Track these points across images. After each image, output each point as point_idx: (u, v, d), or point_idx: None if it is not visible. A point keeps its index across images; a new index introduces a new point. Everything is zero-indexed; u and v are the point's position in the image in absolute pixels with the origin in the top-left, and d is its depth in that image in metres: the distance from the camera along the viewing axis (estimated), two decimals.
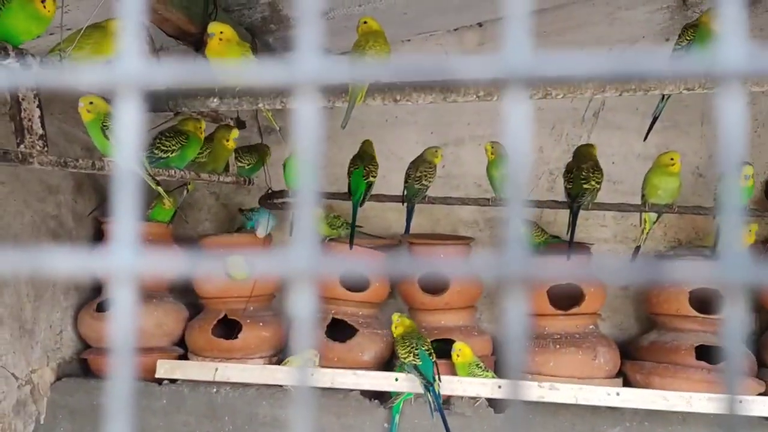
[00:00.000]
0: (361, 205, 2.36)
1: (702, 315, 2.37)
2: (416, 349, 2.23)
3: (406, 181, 2.41)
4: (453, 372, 2.32)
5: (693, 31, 2.10)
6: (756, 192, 2.41)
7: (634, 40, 2.52)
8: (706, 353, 2.32)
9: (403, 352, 2.26)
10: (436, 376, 2.22)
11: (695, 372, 2.30)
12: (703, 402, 2.25)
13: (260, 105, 1.91)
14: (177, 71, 0.39)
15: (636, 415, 2.39)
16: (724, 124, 0.37)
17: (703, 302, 2.39)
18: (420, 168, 2.39)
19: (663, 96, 2.20)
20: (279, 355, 2.48)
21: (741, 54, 0.37)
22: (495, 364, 2.50)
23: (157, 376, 2.35)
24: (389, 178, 2.48)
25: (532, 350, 2.40)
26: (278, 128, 2.13)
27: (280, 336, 2.51)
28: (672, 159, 2.27)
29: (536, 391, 2.22)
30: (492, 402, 2.39)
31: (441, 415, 2.19)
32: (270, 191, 2.46)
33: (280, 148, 2.52)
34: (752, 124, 2.54)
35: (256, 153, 2.48)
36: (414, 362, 2.23)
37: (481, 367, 2.32)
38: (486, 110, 2.52)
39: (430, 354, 2.25)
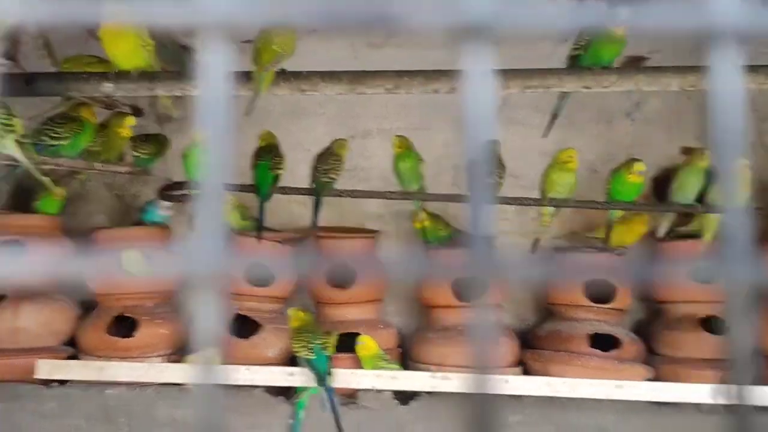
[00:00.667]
0: (268, 199, 2.13)
1: (596, 305, 2.27)
2: (310, 344, 2.01)
3: (313, 174, 2.19)
4: (358, 365, 2.11)
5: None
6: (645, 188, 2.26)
7: (532, 39, 2.34)
8: (599, 341, 2.22)
9: (297, 346, 2.04)
10: (331, 371, 2.00)
11: (589, 359, 2.18)
12: (599, 389, 2.09)
13: (158, 91, 1.65)
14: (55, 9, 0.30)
15: (536, 402, 2.22)
16: (717, 92, 0.31)
17: (597, 292, 2.27)
18: (327, 160, 2.18)
19: (563, 94, 2.05)
20: (179, 353, 2.21)
21: (736, 9, 0.32)
22: (401, 356, 2.29)
23: (37, 377, 2.05)
24: (296, 171, 2.26)
25: (436, 342, 2.21)
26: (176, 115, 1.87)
27: (180, 333, 2.24)
28: (570, 156, 2.13)
29: (429, 381, 2.02)
30: (398, 394, 2.19)
31: (333, 411, 1.97)
32: (169, 183, 2.19)
33: (181, 137, 2.24)
34: (642, 122, 2.39)
35: (154, 142, 2.20)
36: (307, 356, 2.00)
37: (386, 360, 2.12)
38: (394, 103, 2.32)
39: (324, 348, 2.02)
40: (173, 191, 2.21)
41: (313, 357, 2.03)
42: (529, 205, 2.23)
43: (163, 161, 2.26)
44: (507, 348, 2.24)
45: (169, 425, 2.03)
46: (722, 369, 2.19)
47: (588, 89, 1.90)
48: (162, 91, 1.66)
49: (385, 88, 1.85)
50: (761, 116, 2.41)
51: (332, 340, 2.13)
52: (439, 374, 2.08)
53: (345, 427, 2.09)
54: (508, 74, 1.88)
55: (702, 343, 2.19)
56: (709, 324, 2.22)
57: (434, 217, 2.32)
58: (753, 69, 1.80)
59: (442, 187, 2.39)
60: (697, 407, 2.23)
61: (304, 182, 2.23)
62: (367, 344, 2.11)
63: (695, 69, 1.87)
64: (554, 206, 2.19)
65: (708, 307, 2.25)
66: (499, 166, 2.18)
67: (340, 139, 2.25)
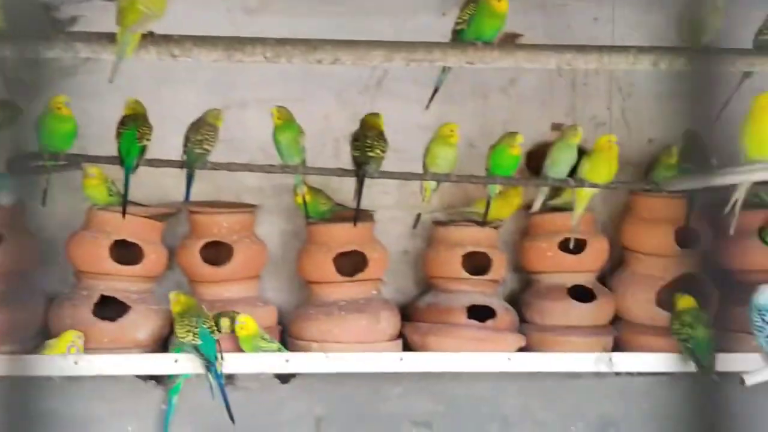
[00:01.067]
0: (133, 171, 1.87)
1: (473, 276, 2.18)
2: (196, 328, 1.79)
3: (185, 145, 1.96)
4: (237, 345, 1.91)
5: (474, 6, 1.81)
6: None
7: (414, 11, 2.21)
8: (476, 312, 2.13)
9: (182, 331, 1.82)
10: (219, 355, 1.79)
11: (467, 330, 2.12)
12: (475, 361, 2.05)
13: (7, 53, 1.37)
14: None
15: (415, 374, 2.11)
16: None
17: (474, 264, 2.18)
18: (200, 131, 1.95)
19: (444, 68, 1.91)
20: (35, 341, 1.91)
21: None
22: (281, 334, 2.10)
23: None
24: (166, 141, 2.01)
25: (317, 318, 2.04)
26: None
27: (36, 318, 1.94)
28: (451, 130, 2.01)
29: (324, 362, 1.86)
30: (278, 373, 2.01)
31: (223, 397, 1.77)
32: (21, 154, 1.87)
33: (33, 104, 1.92)
34: (516, 98, 2.29)
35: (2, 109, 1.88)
36: (194, 342, 1.78)
37: (266, 339, 1.94)
38: (273, 72, 2.10)
39: (212, 332, 1.81)
40: (24, 163, 1.90)
41: (200, 343, 1.81)
42: (411, 179, 2.09)
43: (14, 130, 1.93)
44: (388, 322, 2.10)
45: (31, 419, 1.75)
46: (588, 334, 2.16)
47: (471, 65, 1.78)
48: (12, 53, 1.38)
49: (265, 56, 1.67)
50: (625, 94, 2.37)
51: (226, 322, 1.91)
52: (332, 354, 1.92)
53: (224, 410, 1.89)
54: (391, 47, 1.73)
55: (569, 311, 2.15)
56: (576, 292, 2.16)
57: (315, 191, 2.14)
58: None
59: (323, 160, 2.21)
60: (566, 374, 2.20)
61: (176, 154, 1.98)
62: (247, 324, 1.91)
63: (571, 48, 1.79)
64: (436, 180, 2.06)
65: (575, 277, 2.20)
66: (382, 139, 2.02)
67: (214, 109, 2.02)
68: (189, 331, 1.84)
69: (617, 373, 2.24)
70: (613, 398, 2.25)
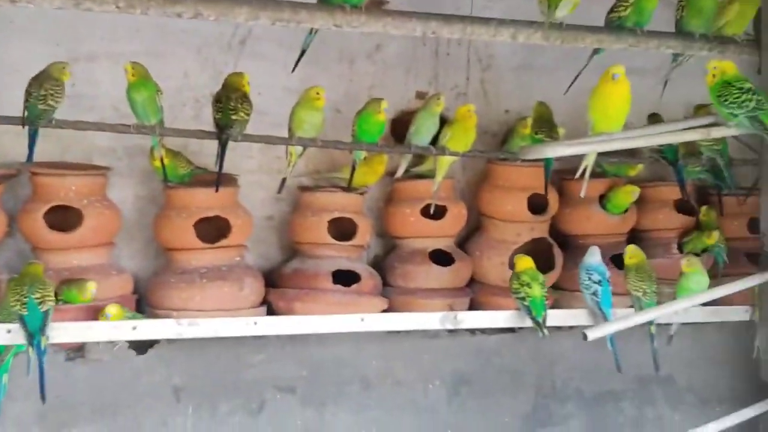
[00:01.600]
0: None
1: (339, 242, 2.04)
2: (25, 298, 1.51)
3: (26, 101, 1.65)
4: (90, 315, 1.64)
5: None
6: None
7: None
8: (340, 276, 1.99)
9: (12, 299, 1.52)
10: (46, 328, 1.52)
11: (332, 295, 1.98)
12: (336, 323, 1.89)
13: None
14: None
15: (278, 340, 1.93)
16: None
17: (339, 230, 2.04)
18: (44, 85, 1.66)
19: (311, 30, 1.71)
20: None
21: None
22: (137, 302, 1.85)
23: None
24: (4, 96, 1.68)
25: (177, 286, 1.80)
26: None
27: None
28: (318, 93, 1.83)
29: (175, 328, 1.63)
30: (133, 343, 1.76)
31: (40, 374, 1.50)
32: None
33: None
34: (381, 64, 2.13)
35: None
36: (21, 312, 1.50)
37: (121, 308, 1.66)
38: (126, 24, 1.80)
39: (41, 303, 1.53)
40: None
41: (26, 313, 1.52)
42: (277, 143, 1.88)
43: None
44: (252, 288, 1.90)
45: None
46: (448, 296, 2.08)
47: (338, 28, 1.61)
48: None
49: (118, 6, 1.44)
50: (484, 65, 2.27)
51: (71, 292, 1.63)
52: (185, 321, 1.69)
53: (72, 384, 1.62)
54: (257, 5, 1.52)
55: (430, 274, 2.05)
56: (436, 256, 2.07)
57: (174, 153, 1.88)
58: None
59: (182, 121, 1.95)
60: (424, 331, 2.10)
61: (16, 110, 1.66)
62: (117, 313, 1.65)
63: (437, 16, 1.66)
64: (302, 145, 1.87)
65: (435, 241, 2.10)
66: (246, 101, 1.79)
67: (59, 62, 1.72)
68: (18, 301, 1.55)
69: (472, 333, 2.19)
70: (468, 356, 2.19)
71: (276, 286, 2.02)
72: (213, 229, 1.91)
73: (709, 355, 2.27)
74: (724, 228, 2.20)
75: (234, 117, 1.77)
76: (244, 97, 1.81)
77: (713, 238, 2.15)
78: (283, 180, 1.96)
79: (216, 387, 1.99)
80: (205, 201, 1.89)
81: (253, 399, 2.01)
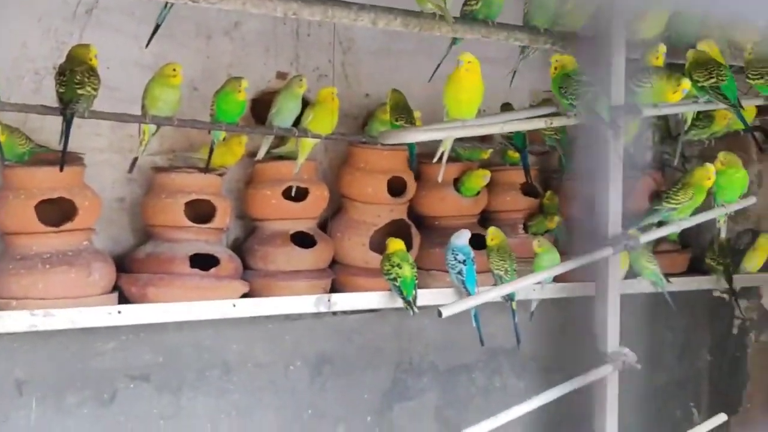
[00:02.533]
0: None
1: (196, 225, 1.96)
2: None
3: None
4: None
5: None
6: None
7: None
8: (198, 260, 1.93)
9: None
10: None
11: (189, 279, 1.91)
12: (199, 309, 1.86)
13: None
14: None
15: (132, 327, 1.84)
16: None
17: (197, 212, 1.97)
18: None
19: (166, 3, 1.63)
20: None
21: None
22: None
23: None
24: None
25: (17, 273, 1.67)
26: None
27: None
28: (174, 70, 1.75)
29: (28, 320, 1.51)
30: None
31: None
32: None
33: None
34: (240, 42, 2.07)
35: None
36: None
37: None
38: None
39: None
40: None
41: None
42: (129, 121, 1.77)
43: None
44: (101, 274, 1.79)
45: None
46: (309, 278, 2.07)
47: (195, 3, 1.54)
48: None
49: None
50: (345, 48, 2.27)
51: None
52: (39, 312, 1.61)
53: None
54: None
55: (292, 256, 2.04)
56: (298, 239, 2.05)
57: (11, 130, 1.73)
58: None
59: (21, 95, 1.79)
60: (287, 316, 2.10)
61: None
62: None
63: None
64: (157, 124, 1.77)
65: (297, 223, 2.08)
66: (93, 75, 1.67)
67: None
68: None
69: (334, 313, 2.20)
70: (330, 337, 2.21)
71: (128, 272, 1.92)
72: (57, 212, 1.78)
73: (554, 328, 2.44)
74: (565, 209, 2.36)
75: (80, 91, 1.65)
76: (91, 71, 1.68)
77: (554, 222, 2.31)
78: (135, 159, 1.86)
79: (62, 378, 1.86)
80: (47, 181, 1.75)
81: (104, 389, 1.91)
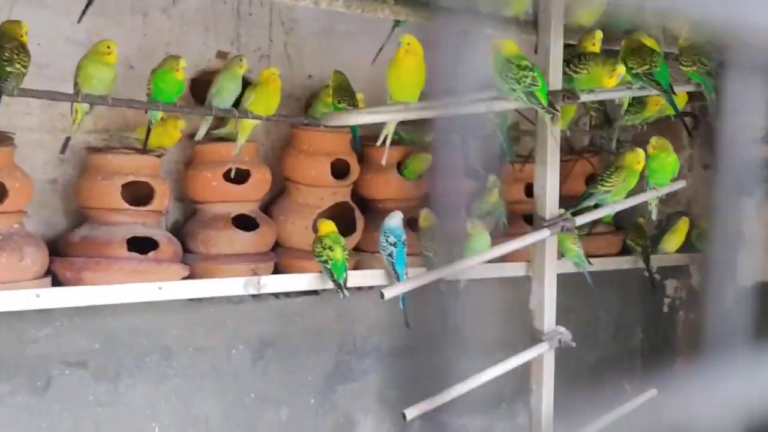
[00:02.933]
0: None
1: (133, 207, 1.91)
2: None
3: None
4: None
5: None
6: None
7: None
8: (136, 243, 1.89)
9: None
10: None
11: (127, 263, 1.86)
12: (131, 293, 1.81)
13: None
14: None
15: (67, 312, 1.79)
16: None
17: (134, 194, 1.92)
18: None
19: None
20: None
21: None
22: None
23: None
24: None
25: None
26: None
27: None
28: (109, 48, 1.70)
29: None
30: None
31: None
32: None
33: None
34: (179, 19, 2.01)
35: None
36: None
37: None
38: None
39: None
40: None
41: None
42: (62, 100, 1.70)
43: None
44: (33, 258, 1.73)
45: None
46: (251, 261, 2.05)
47: None
48: None
49: None
50: (287, 29, 2.23)
51: None
52: None
53: None
54: None
55: (234, 239, 2.01)
56: (240, 221, 2.03)
57: None
58: None
59: None
60: (228, 297, 2.07)
61: None
62: None
63: None
64: (90, 103, 1.71)
65: (239, 206, 2.06)
66: (23, 52, 1.60)
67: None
68: None
69: (276, 296, 2.18)
70: (272, 320, 2.19)
71: (62, 256, 1.86)
72: None
73: (492, 307, 2.48)
74: (504, 192, 2.40)
75: (8, 68, 1.57)
76: (21, 48, 1.61)
77: (495, 205, 2.34)
78: (68, 139, 1.79)
79: None
80: None
81: (38, 376, 1.85)
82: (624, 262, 2.60)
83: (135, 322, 1.97)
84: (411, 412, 1.54)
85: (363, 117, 1.83)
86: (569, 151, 2.58)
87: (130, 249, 1.86)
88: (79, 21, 1.69)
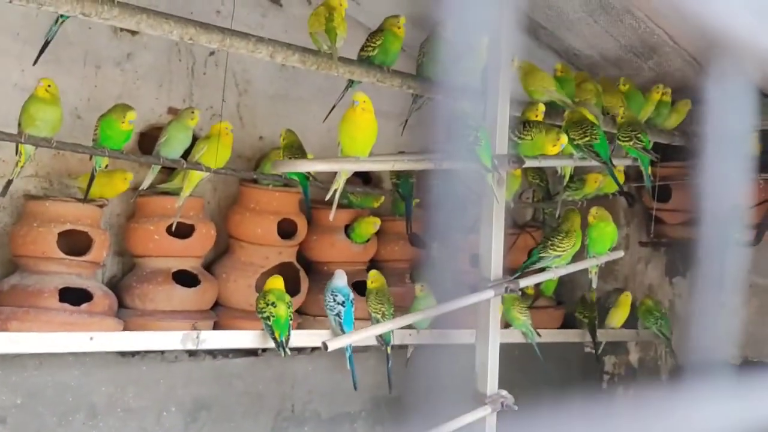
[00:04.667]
0: None
1: (68, 257, 1.84)
2: None
3: None
4: None
5: None
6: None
7: None
8: (69, 295, 1.81)
9: None
10: None
11: (58, 314, 1.78)
12: (60, 342, 1.72)
13: None
14: None
15: None
16: None
17: (72, 245, 1.85)
18: None
19: (57, 18, 1.55)
20: None
21: None
22: None
23: None
24: None
25: None
26: None
27: None
28: (50, 86, 1.68)
29: None
30: None
31: None
32: None
33: None
34: (132, 74, 2.01)
35: None
36: None
37: None
38: None
39: None
40: None
41: None
42: (3, 140, 1.65)
43: None
44: None
45: None
46: (190, 318, 1.97)
47: (86, 17, 1.46)
48: None
49: None
50: (241, 90, 2.25)
51: None
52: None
53: None
54: None
55: (172, 295, 1.94)
56: (180, 277, 1.97)
57: None
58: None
59: None
60: (162, 355, 1.97)
61: None
62: None
63: (196, 23, 1.59)
64: (34, 144, 1.66)
65: (180, 261, 2.00)
66: None
67: None
68: None
69: (214, 357, 2.09)
70: (208, 381, 2.09)
71: None
72: None
73: (435, 375, 2.43)
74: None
75: None
76: None
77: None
78: (9, 182, 1.72)
79: None
80: None
81: None
82: (571, 335, 2.60)
83: (61, 377, 1.85)
84: None
85: (314, 165, 1.82)
86: (512, 224, 2.62)
87: (62, 300, 1.78)
88: (34, 63, 1.66)
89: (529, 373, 2.62)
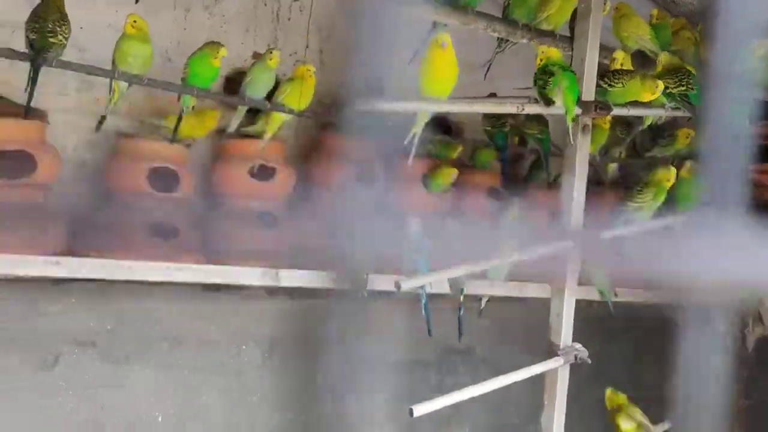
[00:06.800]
0: None
1: (159, 193, 1.88)
2: None
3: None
4: None
5: None
6: None
7: None
8: (158, 229, 1.86)
9: None
10: None
11: (147, 246, 1.82)
12: (149, 271, 1.79)
13: None
14: None
15: (81, 290, 1.75)
16: None
17: (161, 181, 1.89)
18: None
19: None
20: None
21: None
22: None
23: None
24: None
25: None
26: None
27: None
28: (135, 22, 1.71)
29: None
30: None
31: None
32: None
33: None
34: (219, 18, 2.01)
35: None
36: None
37: None
38: None
39: None
40: None
41: None
42: (97, 75, 1.69)
43: None
44: (55, 232, 1.70)
45: None
46: (270, 257, 2.00)
47: None
48: None
49: None
50: (324, 36, 2.22)
51: None
52: None
53: None
54: None
55: (254, 235, 1.96)
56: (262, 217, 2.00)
57: None
58: None
59: None
60: (242, 291, 2.01)
61: None
62: None
63: None
64: (125, 80, 1.69)
65: (262, 204, 2.02)
66: (65, 24, 1.59)
67: None
68: None
69: (292, 297, 2.12)
70: (286, 319, 2.12)
71: (84, 235, 1.83)
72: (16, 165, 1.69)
73: (509, 329, 2.39)
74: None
75: (51, 39, 1.57)
76: (63, 19, 1.61)
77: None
78: (103, 118, 1.78)
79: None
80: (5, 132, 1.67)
81: (47, 352, 1.80)
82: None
83: (149, 305, 1.92)
84: (419, 409, 1.46)
85: (395, 105, 1.78)
86: (597, 182, 2.51)
87: (151, 233, 1.83)
88: (136, 1, 1.68)
89: (602, 333, 2.54)
